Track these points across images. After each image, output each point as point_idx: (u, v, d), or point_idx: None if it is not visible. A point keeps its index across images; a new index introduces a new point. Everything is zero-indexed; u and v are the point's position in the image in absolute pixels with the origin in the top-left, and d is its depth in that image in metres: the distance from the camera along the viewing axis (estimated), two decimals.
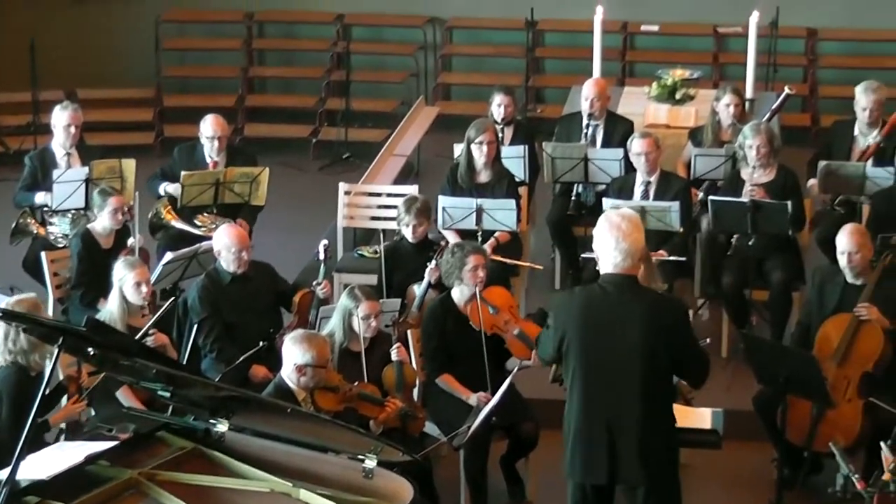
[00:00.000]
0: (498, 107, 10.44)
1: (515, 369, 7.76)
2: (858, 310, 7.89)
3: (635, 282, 6.30)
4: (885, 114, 10.09)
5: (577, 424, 6.33)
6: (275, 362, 7.68)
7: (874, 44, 13.76)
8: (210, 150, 10.01)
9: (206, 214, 9.77)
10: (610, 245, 6.22)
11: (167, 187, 9.90)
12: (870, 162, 9.86)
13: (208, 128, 10.01)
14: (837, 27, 13.79)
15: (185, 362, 7.97)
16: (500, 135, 10.15)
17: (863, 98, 10.05)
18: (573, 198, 10.26)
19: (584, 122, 10.39)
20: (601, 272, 6.32)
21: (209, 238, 8.98)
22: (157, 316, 7.81)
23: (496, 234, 9.47)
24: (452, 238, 9.26)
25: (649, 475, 6.30)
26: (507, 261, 9.33)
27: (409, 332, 8.14)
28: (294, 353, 7.16)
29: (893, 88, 11.16)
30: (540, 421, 7.85)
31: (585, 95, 10.39)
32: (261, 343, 7.97)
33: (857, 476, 5.88)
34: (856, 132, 10.14)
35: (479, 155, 9.65)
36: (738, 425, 7.86)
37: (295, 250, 10.59)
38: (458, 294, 8.07)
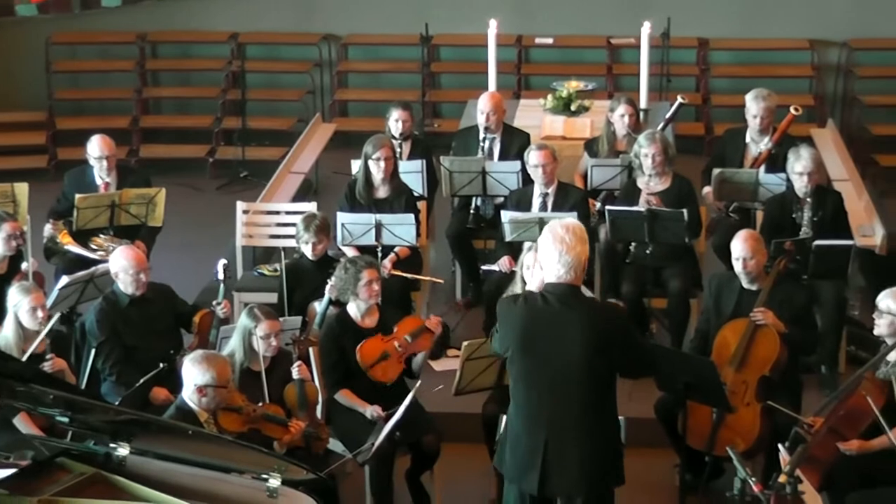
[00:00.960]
0: (395, 122, 10.45)
1: (417, 383, 7.79)
2: (754, 315, 7.99)
3: (577, 292, 6.35)
4: (775, 121, 10.24)
5: (516, 430, 6.40)
6: (176, 384, 7.62)
7: (764, 53, 13.95)
8: (99, 170, 9.93)
9: (101, 237, 9.68)
10: (553, 257, 6.28)
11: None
12: (762, 169, 10.00)
13: (95, 148, 9.93)
14: (728, 37, 13.96)
15: (84, 387, 7.89)
16: (397, 150, 10.17)
17: (753, 106, 10.18)
18: (472, 211, 10.30)
19: (481, 135, 10.44)
20: (545, 281, 6.36)
21: (105, 261, 8.90)
22: (42, 335, 7.70)
23: (396, 249, 9.49)
24: (352, 254, 9.26)
25: (590, 484, 6.35)
26: (408, 275, 9.35)
27: (311, 349, 8.12)
28: (194, 373, 7.12)
29: (783, 96, 11.32)
30: (443, 434, 7.87)
31: (481, 109, 10.44)
32: (161, 365, 7.90)
33: (753, 479, 5.95)
34: (747, 140, 10.27)
35: (377, 171, 9.66)
36: (640, 432, 7.92)
37: (194, 271, 10.52)
38: (355, 309, 8.08)
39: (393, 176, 9.73)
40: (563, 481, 6.33)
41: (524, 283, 8.15)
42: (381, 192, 9.74)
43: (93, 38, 14.40)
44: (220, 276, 8.51)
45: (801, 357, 8.32)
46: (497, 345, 6.50)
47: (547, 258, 6.31)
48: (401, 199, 9.69)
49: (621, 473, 6.50)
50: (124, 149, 13.21)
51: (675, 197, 9.50)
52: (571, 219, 6.58)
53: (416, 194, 9.96)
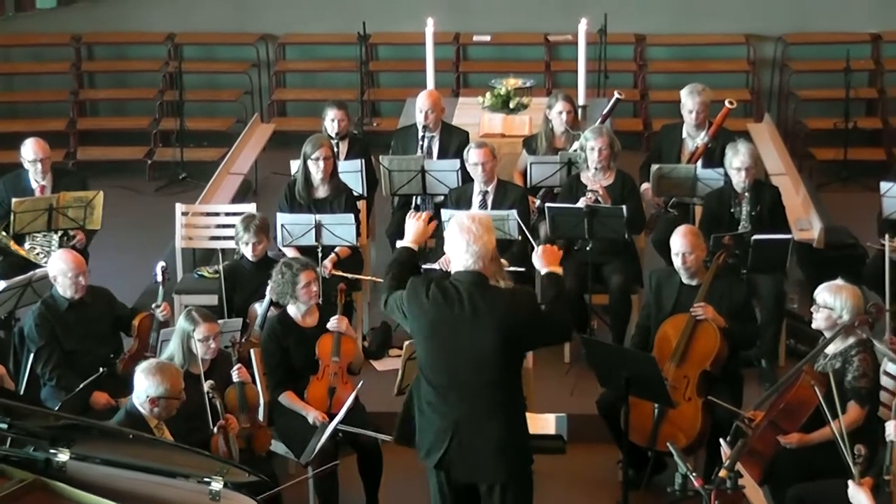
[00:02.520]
0: (332, 122, 10.43)
1: (360, 384, 7.80)
2: (694, 310, 8.03)
3: (485, 280, 6.41)
4: (711, 115, 10.30)
5: (426, 413, 6.45)
6: (116, 388, 7.58)
7: (700, 48, 14.03)
8: (34, 173, 9.86)
9: (39, 240, 9.61)
10: (461, 248, 6.37)
11: None
12: (699, 164, 10.06)
13: (28, 151, 9.86)
14: (664, 33, 14.04)
15: (23, 392, 7.83)
16: (335, 149, 10.15)
17: (688, 101, 10.24)
18: (412, 210, 10.30)
19: (420, 133, 10.45)
20: (452, 271, 6.41)
21: (43, 266, 8.84)
22: None
23: (336, 250, 9.48)
24: (292, 255, 9.24)
25: (507, 471, 6.40)
26: (349, 275, 9.34)
27: (252, 351, 8.10)
28: (146, 385, 7.06)
29: (720, 91, 11.41)
30: (385, 433, 7.86)
31: (420, 107, 10.45)
32: (101, 369, 7.87)
33: (694, 474, 5.98)
34: (684, 135, 10.33)
35: (317, 171, 9.64)
36: (582, 429, 7.97)
37: (133, 273, 10.47)
38: (295, 310, 8.08)
39: (332, 176, 9.71)
40: (474, 465, 6.38)
41: None
42: (321, 192, 9.72)
43: (27, 41, 14.30)
44: (160, 278, 8.48)
45: (741, 351, 8.37)
46: (394, 311, 6.55)
47: (455, 248, 6.40)
48: (340, 198, 9.68)
49: (531, 453, 6.56)
50: (61, 152, 13.12)
51: (619, 192, 9.55)
52: (478, 211, 6.67)
53: (355, 194, 9.96)
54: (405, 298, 6.45)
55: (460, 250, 6.39)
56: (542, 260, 6.63)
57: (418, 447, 6.56)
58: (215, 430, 7.38)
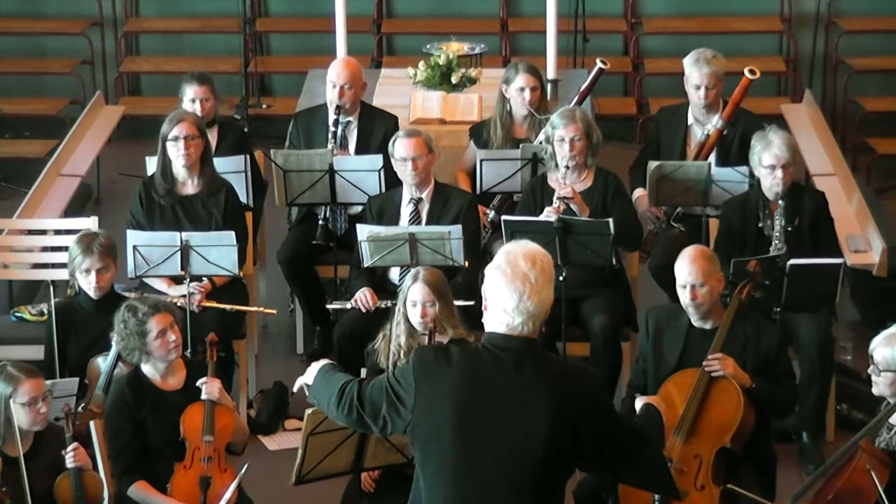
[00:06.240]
0: (191, 102, 10.42)
1: (243, 469, 7.78)
2: (709, 363, 8.05)
3: (535, 347, 6.24)
4: (726, 93, 10.33)
5: None
6: None
7: (716, 0, 14.13)
8: None
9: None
10: (508, 301, 6.09)
11: None
12: (712, 159, 10.10)
13: None
14: None
15: None
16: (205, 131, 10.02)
17: (694, 73, 10.28)
18: (320, 223, 10.28)
19: (331, 117, 10.42)
20: (487, 330, 6.26)
21: None
22: None
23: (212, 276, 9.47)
24: (162, 286, 9.27)
25: None
26: (227, 307, 9.32)
27: (92, 423, 8.05)
28: None
29: (742, 60, 11.44)
30: None
31: (333, 80, 10.41)
32: None
33: None
34: (690, 120, 10.41)
35: (178, 155, 9.55)
36: None
37: None
38: (151, 369, 8.07)
39: (204, 164, 9.66)
40: None
41: (408, 325, 8.20)
42: (189, 187, 9.70)
43: None
44: None
45: (774, 421, 8.42)
46: (389, 411, 6.36)
47: (499, 300, 6.14)
48: (218, 196, 9.65)
49: None
50: None
51: (600, 199, 9.60)
52: (534, 245, 6.41)
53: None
54: (412, 374, 6.18)
55: (507, 304, 6.09)
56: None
57: None
58: None
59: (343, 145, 10.44)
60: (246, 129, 12.13)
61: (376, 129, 10.48)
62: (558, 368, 6.24)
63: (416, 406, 6.17)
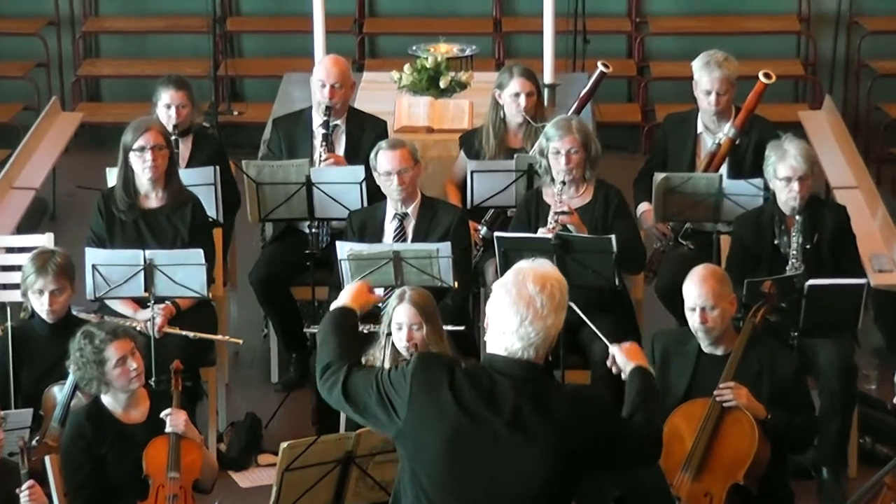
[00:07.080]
0: (166, 109, 10.41)
1: None
2: (720, 392, 8.05)
3: (537, 373, 6.22)
4: (739, 99, 10.32)
5: None
6: None
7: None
8: None
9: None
10: (510, 322, 6.12)
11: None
12: (724, 171, 10.09)
13: None
14: None
15: None
16: (173, 144, 10.02)
17: (704, 76, 10.27)
18: (312, 232, 10.21)
19: (319, 120, 10.37)
20: (488, 350, 6.26)
21: None
22: None
23: (175, 299, 9.45)
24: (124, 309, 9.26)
25: None
26: (189, 333, 9.29)
27: (47, 458, 8.02)
28: None
29: (753, 62, 11.47)
30: None
31: (322, 79, 10.39)
32: None
33: None
34: (699, 128, 10.41)
35: (143, 167, 9.55)
36: None
37: None
38: (112, 400, 8.04)
39: (169, 176, 9.65)
40: None
41: (392, 350, 8.18)
42: (153, 200, 9.67)
43: None
44: None
45: (791, 455, 8.42)
46: (378, 411, 6.28)
47: (500, 321, 6.15)
48: (184, 211, 9.64)
49: None
50: None
51: (600, 216, 9.61)
52: (549, 268, 6.39)
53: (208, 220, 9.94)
54: (408, 382, 6.19)
55: (508, 326, 6.15)
56: (626, 356, 6.72)
57: None
58: None
59: (331, 150, 10.40)
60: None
61: (366, 134, 10.48)
62: (562, 401, 6.21)
63: (409, 417, 6.19)
